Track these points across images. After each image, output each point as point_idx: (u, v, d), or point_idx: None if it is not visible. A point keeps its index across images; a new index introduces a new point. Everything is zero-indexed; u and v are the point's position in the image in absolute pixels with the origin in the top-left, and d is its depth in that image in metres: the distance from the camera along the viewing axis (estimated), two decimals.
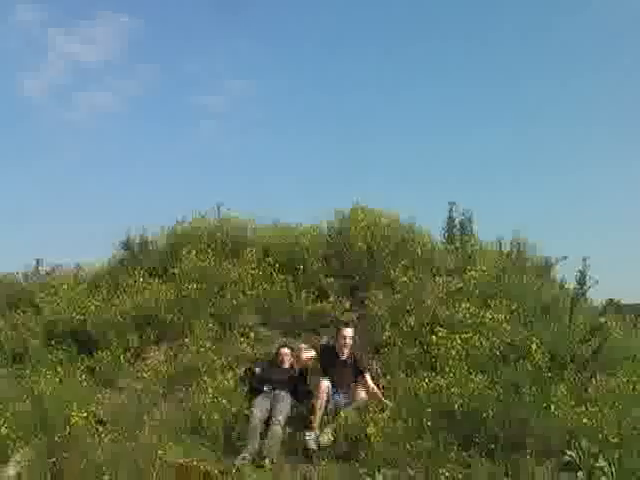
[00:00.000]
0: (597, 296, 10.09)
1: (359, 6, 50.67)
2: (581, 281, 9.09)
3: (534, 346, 7.42)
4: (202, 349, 8.98)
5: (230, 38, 51.04)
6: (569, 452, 6.30)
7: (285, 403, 7.63)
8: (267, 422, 7.44)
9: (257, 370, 8.27)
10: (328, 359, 8.01)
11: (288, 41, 52.58)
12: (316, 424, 7.20)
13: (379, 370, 8.33)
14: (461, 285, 9.46)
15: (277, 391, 7.79)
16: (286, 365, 8.27)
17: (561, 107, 53.40)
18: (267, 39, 51.48)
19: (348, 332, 7.94)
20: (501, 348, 7.89)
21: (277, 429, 7.27)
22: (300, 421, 7.52)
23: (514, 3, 49.30)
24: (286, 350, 8.37)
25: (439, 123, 53.56)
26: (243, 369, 8.55)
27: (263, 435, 7.26)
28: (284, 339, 9.20)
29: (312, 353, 8.29)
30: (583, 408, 6.70)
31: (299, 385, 8.06)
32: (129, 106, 49.84)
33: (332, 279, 10.25)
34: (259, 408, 7.52)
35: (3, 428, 7.43)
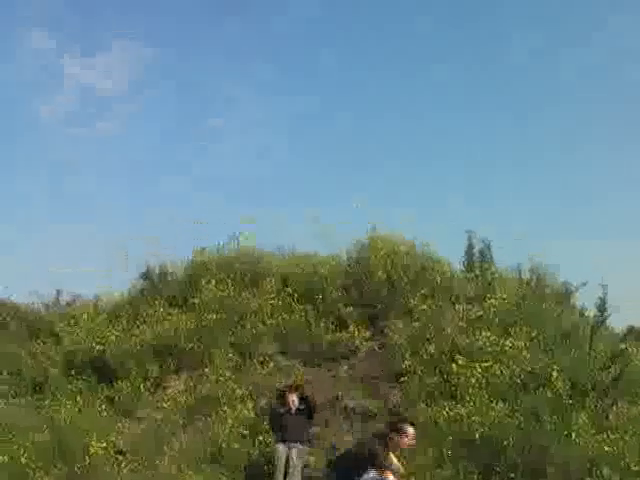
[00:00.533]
0: (617, 323, 10.01)
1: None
2: (601, 308, 9.03)
3: (554, 374, 7.36)
4: (222, 379, 9.02)
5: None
6: None
7: (299, 450, 7.40)
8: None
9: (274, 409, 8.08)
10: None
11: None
12: None
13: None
14: (481, 313, 9.40)
15: (292, 444, 7.46)
16: (294, 409, 7.83)
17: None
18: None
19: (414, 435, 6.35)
20: (521, 376, 7.83)
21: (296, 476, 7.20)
22: None
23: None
24: (294, 397, 7.87)
25: (440, 123, 51.94)
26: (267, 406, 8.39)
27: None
28: (294, 376, 9.10)
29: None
30: (604, 436, 6.64)
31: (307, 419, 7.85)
32: (143, 130, 48.99)
33: (351, 308, 10.25)
34: (283, 447, 7.35)
35: (23, 458, 7.48)
